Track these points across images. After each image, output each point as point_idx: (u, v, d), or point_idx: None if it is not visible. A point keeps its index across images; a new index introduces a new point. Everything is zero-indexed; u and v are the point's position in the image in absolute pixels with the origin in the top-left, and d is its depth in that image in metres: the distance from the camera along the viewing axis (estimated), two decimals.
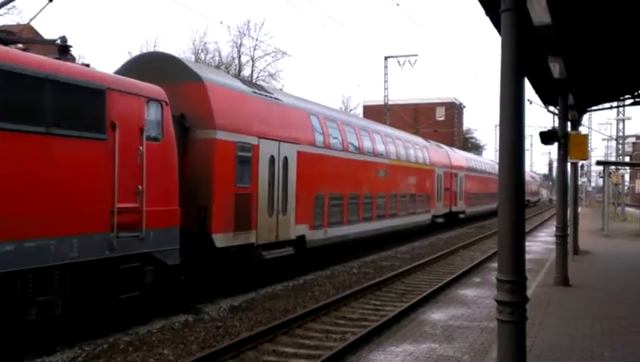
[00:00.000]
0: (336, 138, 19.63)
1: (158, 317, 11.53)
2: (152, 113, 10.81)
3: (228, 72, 42.69)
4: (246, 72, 52.50)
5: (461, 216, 38.32)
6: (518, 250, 5.60)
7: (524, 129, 5.67)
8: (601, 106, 20.26)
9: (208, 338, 10.37)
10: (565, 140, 14.68)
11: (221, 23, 62.28)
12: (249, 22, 65.43)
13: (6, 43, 9.14)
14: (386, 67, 45.29)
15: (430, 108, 77.84)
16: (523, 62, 5.63)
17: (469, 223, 40.63)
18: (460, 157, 40.67)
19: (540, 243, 26.29)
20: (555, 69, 11.90)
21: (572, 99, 15.79)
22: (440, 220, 33.24)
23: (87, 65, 10.32)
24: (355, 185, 21.07)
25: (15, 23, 24.79)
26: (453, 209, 36.08)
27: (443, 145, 39.27)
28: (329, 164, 18.91)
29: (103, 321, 10.51)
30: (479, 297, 13.11)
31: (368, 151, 22.52)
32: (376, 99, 53.57)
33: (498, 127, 5.83)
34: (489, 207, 46.62)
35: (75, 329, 9.95)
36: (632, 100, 18.13)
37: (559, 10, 8.49)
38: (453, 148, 43.04)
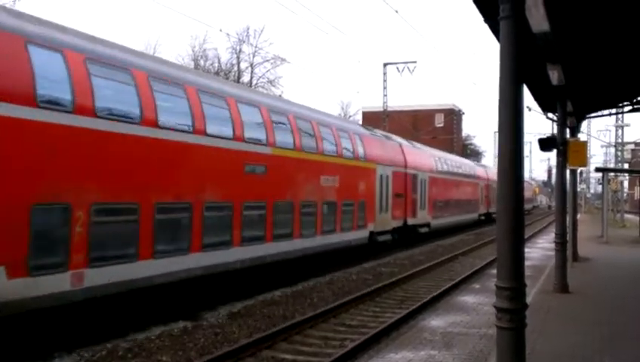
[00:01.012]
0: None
1: (156, 323, 11.51)
2: None
3: (227, 79, 42.75)
4: (245, 79, 52.59)
5: (422, 230, 29.63)
6: (517, 257, 5.60)
7: (522, 136, 5.68)
8: (599, 113, 20.32)
9: (207, 345, 10.36)
10: (564, 147, 14.70)
11: (220, 30, 62.21)
12: (248, 28, 65.55)
13: None
14: (385, 74, 45.33)
15: (429, 114, 77.89)
16: (521, 69, 5.64)
17: (439, 238, 32.14)
18: (422, 154, 31.50)
19: (539, 249, 26.28)
20: (554, 76, 11.93)
21: (571, 106, 15.83)
22: (384, 238, 23.99)
23: None
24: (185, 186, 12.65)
25: None
26: (411, 221, 27.50)
27: (396, 136, 29.88)
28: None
29: (102, 327, 10.48)
30: (479, 304, 13.09)
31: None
32: (376, 105, 53.58)
33: (497, 134, 5.84)
34: (467, 217, 40.71)
35: (74, 335, 9.93)
36: (630, 107, 18.16)
37: (558, 18, 8.52)
38: (414, 143, 33.17)
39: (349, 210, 20.57)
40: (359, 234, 21.32)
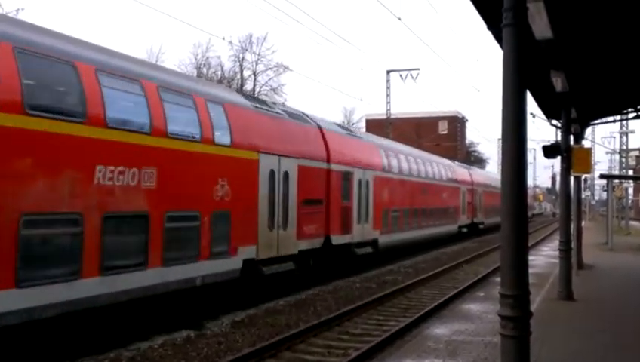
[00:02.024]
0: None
1: (159, 332, 11.48)
2: None
3: (230, 86, 42.82)
4: (248, 87, 52.70)
5: (363, 250, 33.10)
6: (521, 265, 5.56)
7: (526, 143, 5.66)
8: (604, 120, 20.27)
9: (210, 354, 10.32)
10: (568, 154, 14.66)
11: (223, 39, 62.42)
12: (251, 36, 65.67)
13: None
14: (388, 81, 45.36)
15: (433, 121, 78.01)
16: (525, 76, 5.63)
17: (398, 259, 30.95)
18: (362, 144, 34.38)
19: (544, 257, 26.18)
20: (558, 82, 11.93)
21: (575, 113, 15.80)
22: (279, 268, 28.34)
23: None
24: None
25: None
26: (338, 239, 30.78)
27: (316, 116, 31.10)
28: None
29: (105, 336, 10.46)
30: (483, 312, 13.01)
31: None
32: (379, 112, 53.62)
33: (500, 141, 5.82)
34: (440, 230, 40.14)
35: (77, 344, 9.90)
36: (635, 114, 18.13)
37: (561, 25, 8.52)
38: (352, 129, 32.15)
39: (184, 228, 12.19)
40: (215, 267, 12.96)
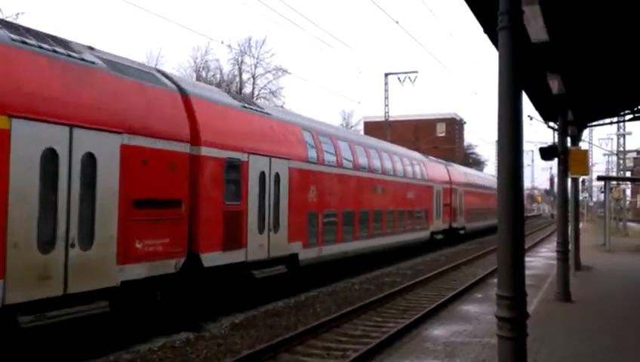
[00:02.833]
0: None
1: (159, 334, 11.50)
2: None
3: (229, 90, 42.85)
4: (247, 90, 52.77)
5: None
6: (518, 266, 5.62)
7: (522, 145, 5.71)
8: (601, 122, 20.36)
9: (209, 356, 10.35)
10: (565, 156, 14.71)
11: (222, 42, 62.51)
12: (250, 39, 65.74)
13: None
14: (386, 84, 45.48)
15: (431, 124, 78.11)
16: (520, 79, 5.68)
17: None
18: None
19: (542, 258, 26.23)
20: (554, 85, 11.99)
21: (571, 115, 15.87)
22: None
23: None
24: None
25: None
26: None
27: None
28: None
29: (104, 339, 10.48)
30: (481, 313, 13.06)
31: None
32: (378, 115, 53.70)
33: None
34: (402, 239, 34.60)
35: (76, 347, 9.93)
36: (631, 115, 18.20)
37: (557, 28, 8.58)
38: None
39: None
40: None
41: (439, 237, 31.96)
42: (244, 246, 13.90)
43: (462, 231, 37.39)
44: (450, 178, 35.03)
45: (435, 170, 32.70)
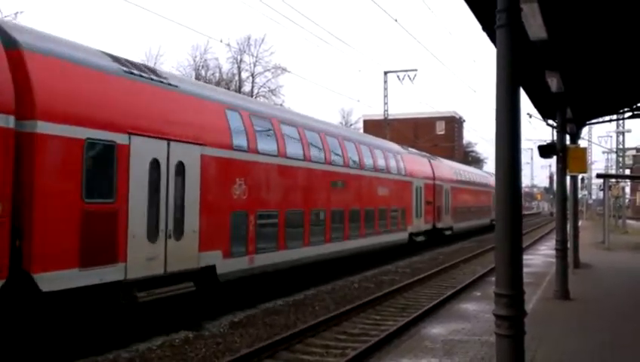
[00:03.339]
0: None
1: (158, 333, 11.50)
2: None
3: (228, 88, 42.84)
4: (246, 88, 52.77)
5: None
6: (515, 264, 5.61)
7: (519, 142, 5.70)
8: (600, 119, 20.33)
9: (209, 355, 10.35)
10: (564, 154, 14.71)
11: (221, 41, 62.64)
12: (249, 38, 65.72)
13: None
14: (385, 82, 45.46)
15: (430, 122, 78.17)
16: (518, 77, 5.67)
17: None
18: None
19: (541, 256, 26.23)
20: (553, 83, 11.99)
21: (570, 113, 15.86)
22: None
23: None
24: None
25: None
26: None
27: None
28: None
29: (103, 337, 10.48)
30: (480, 311, 13.05)
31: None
32: (377, 113, 53.70)
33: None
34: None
35: (75, 346, 9.93)
36: (630, 113, 18.19)
37: (555, 26, 8.57)
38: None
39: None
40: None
41: (420, 239, 28.14)
42: (121, 260, 10.36)
43: (448, 232, 33.66)
44: (433, 173, 30.95)
45: (415, 163, 28.68)
